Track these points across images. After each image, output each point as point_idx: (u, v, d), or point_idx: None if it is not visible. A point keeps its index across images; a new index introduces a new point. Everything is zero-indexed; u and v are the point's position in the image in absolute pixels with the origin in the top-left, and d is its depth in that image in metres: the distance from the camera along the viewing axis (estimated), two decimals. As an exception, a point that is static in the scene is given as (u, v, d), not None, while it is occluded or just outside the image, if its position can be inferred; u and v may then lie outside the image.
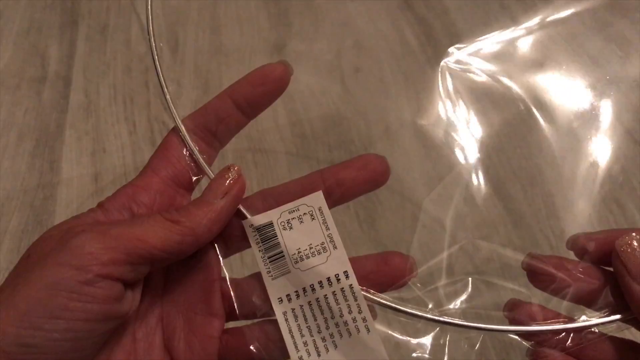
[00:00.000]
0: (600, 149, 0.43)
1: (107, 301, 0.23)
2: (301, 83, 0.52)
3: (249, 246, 0.27)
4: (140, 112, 0.52)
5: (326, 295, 0.26)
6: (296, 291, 0.26)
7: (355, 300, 0.26)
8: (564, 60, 0.52)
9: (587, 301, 0.25)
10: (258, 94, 0.28)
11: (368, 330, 0.26)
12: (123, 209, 0.26)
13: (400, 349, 0.26)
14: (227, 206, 0.26)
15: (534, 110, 0.45)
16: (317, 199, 0.27)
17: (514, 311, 0.26)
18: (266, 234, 0.27)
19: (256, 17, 0.60)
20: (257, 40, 0.58)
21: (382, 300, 0.26)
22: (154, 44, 0.30)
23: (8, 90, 0.54)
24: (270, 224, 0.27)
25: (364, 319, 0.26)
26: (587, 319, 0.25)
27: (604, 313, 0.25)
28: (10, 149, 0.50)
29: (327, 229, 0.27)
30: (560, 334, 0.25)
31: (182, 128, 0.28)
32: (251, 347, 0.26)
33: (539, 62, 0.50)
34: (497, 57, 0.47)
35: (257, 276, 0.27)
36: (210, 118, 0.28)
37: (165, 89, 0.29)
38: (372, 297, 0.26)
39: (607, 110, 0.47)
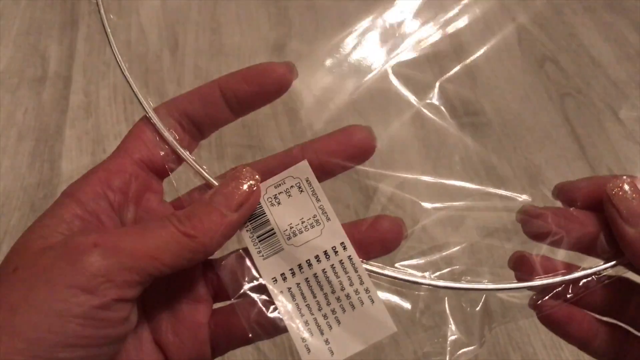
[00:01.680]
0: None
1: (120, 323, 0.21)
2: (301, 83, 0.52)
3: None
4: (140, 112, 0.52)
5: (324, 269, 0.25)
6: (291, 269, 0.25)
7: (356, 271, 0.25)
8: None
9: (586, 248, 0.25)
10: (251, 93, 0.25)
11: (372, 301, 0.25)
12: (99, 198, 0.23)
13: (401, 319, 0.26)
14: (240, 220, 0.24)
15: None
16: (304, 169, 0.25)
17: (519, 265, 0.25)
18: (253, 213, 0.25)
19: (256, 17, 0.60)
20: (257, 40, 0.58)
21: (382, 270, 0.25)
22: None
23: (8, 90, 0.54)
24: None
25: (367, 290, 0.25)
26: (585, 269, 0.25)
27: (604, 260, 0.25)
28: (10, 149, 0.50)
29: (318, 200, 0.25)
30: (560, 286, 0.25)
31: (152, 113, 0.25)
32: (246, 327, 0.25)
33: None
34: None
35: (245, 251, 0.25)
36: (194, 106, 0.26)
37: (120, 60, 0.27)
38: (372, 267, 0.25)
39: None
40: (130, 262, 0.21)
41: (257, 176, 0.24)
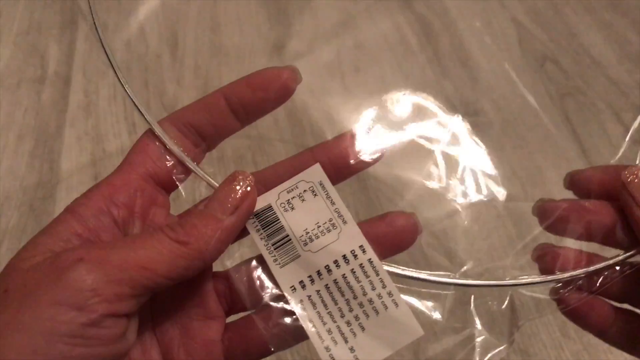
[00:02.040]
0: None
1: (113, 341, 0.20)
2: (301, 83, 0.52)
3: (242, 236, 0.25)
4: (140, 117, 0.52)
5: (344, 274, 0.24)
6: (310, 276, 0.24)
7: (377, 274, 0.24)
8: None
9: (603, 239, 0.25)
10: (257, 99, 0.25)
11: (396, 304, 0.24)
12: (101, 214, 0.22)
13: (426, 320, 0.25)
14: (237, 224, 0.23)
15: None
16: (316, 172, 0.24)
17: (543, 257, 0.25)
18: (266, 219, 0.24)
19: (256, 17, 0.60)
20: (257, 40, 0.58)
21: (404, 272, 0.24)
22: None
23: (8, 90, 0.54)
24: (269, 208, 0.24)
25: (390, 294, 0.24)
26: (607, 259, 0.24)
27: (623, 250, 0.24)
28: (10, 149, 0.50)
29: (333, 203, 0.24)
30: (582, 278, 0.25)
31: (156, 126, 0.25)
32: (265, 336, 0.24)
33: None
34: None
35: (259, 259, 0.25)
36: (199, 117, 0.25)
37: (124, 83, 0.26)
38: (394, 270, 0.24)
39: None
40: (119, 274, 0.20)
41: (250, 177, 0.23)
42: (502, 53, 0.56)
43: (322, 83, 0.53)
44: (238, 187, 0.23)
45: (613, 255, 0.25)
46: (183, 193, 0.25)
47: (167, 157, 0.25)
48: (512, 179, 0.46)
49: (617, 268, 0.24)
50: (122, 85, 0.26)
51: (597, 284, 0.25)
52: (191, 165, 0.25)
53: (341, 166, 0.25)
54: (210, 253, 0.22)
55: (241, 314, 0.25)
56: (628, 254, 0.24)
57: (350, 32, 0.57)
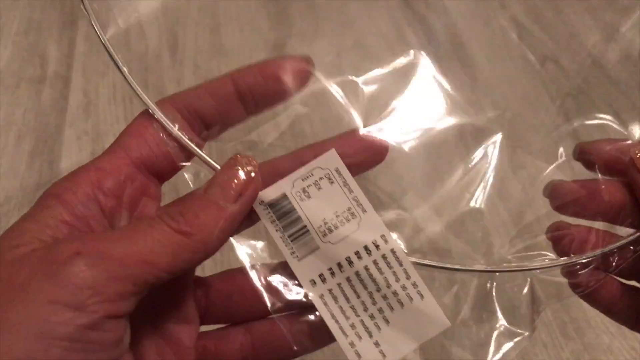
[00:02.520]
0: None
1: (114, 346, 0.18)
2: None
3: (244, 227, 0.24)
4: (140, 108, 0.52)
5: (366, 266, 0.23)
6: (330, 268, 0.23)
7: (401, 265, 0.23)
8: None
9: (615, 218, 0.24)
10: (269, 89, 0.23)
11: (422, 296, 0.23)
12: (89, 201, 0.20)
13: (446, 308, 0.24)
14: (241, 212, 0.21)
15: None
16: (332, 159, 0.23)
17: (560, 239, 0.25)
18: (282, 209, 0.23)
19: (256, 17, 0.60)
20: (257, 40, 0.58)
21: (428, 262, 0.23)
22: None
23: (7, 90, 0.54)
24: (284, 197, 0.23)
25: (415, 285, 0.23)
26: (621, 239, 0.24)
27: (635, 228, 0.24)
28: (10, 149, 0.50)
29: (351, 191, 0.23)
30: (597, 260, 0.24)
31: (154, 106, 0.22)
32: (289, 340, 0.23)
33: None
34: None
35: (281, 265, 0.23)
36: (204, 102, 0.23)
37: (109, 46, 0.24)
38: (418, 260, 0.23)
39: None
40: (121, 270, 0.18)
41: (254, 162, 0.22)
42: (502, 53, 0.56)
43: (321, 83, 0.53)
44: (241, 172, 0.21)
45: (624, 233, 0.25)
46: (191, 184, 0.24)
47: (167, 142, 0.23)
48: (512, 178, 0.46)
49: (631, 247, 0.24)
50: (111, 57, 0.25)
51: (613, 264, 0.24)
52: (194, 149, 0.23)
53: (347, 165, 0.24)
54: (212, 243, 0.20)
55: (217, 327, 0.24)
56: (638, 234, 0.24)
57: (350, 32, 0.57)
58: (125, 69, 0.24)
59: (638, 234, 0.24)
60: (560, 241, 0.25)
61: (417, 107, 0.27)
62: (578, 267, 0.25)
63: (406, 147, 0.26)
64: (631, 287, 0.25)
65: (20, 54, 0.57)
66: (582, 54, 0.55)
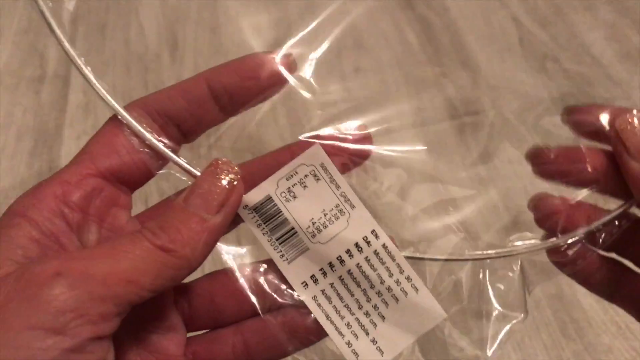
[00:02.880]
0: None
1: None
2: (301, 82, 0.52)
3: (226, 232, 0.23)
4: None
5: (358, 263, 0.22)
6: (321, 269, 0.22)
7: (394, 260, 0.22)
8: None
9: (599, 186, 0.24)
10: (246, 88, 0.21)
11: (416, 289, 0.22)
12: (55, 216, 0.19)
13: (442, 299, 0.24)
14: (223, 223, 0.20)
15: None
16: (317, 154, 0.22)
17: (546, 216, 0.24)
18: (267, 212, 0.22)
19: (256, 17, 0.60)
20: (256, 40, 0.58)
21: (420, 256, 0.23)
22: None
23: (7, 90, 0.54)
24: (269, 199, 0.22)
25: (409, 278, 0.22)
26: (607, 214, 0.24)
27: (619, 198, 0.24)
28: (9, 149, 0.50)
29: (338, 187, 0.22)
30: (579, 241, 0.24)
31: (123, 112, 0.21)
32: (280, 338, 0.22)
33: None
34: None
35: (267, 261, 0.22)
36: (176, 105, 0.21)
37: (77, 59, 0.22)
38: (410, 254, 0.23)
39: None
40: (104, 290, 0.17)
41: (236, 168, 0.21)
42: (502, 52, 0.56)
43: (322, 83, 0.53)
44: (223, 181, 0.20)
45: (611, 204, 0.24)
46: (168, 190, 0.23)
47: (137, 150, 0.21)
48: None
49: (616, 223, 0.24)
50: (61, 46, 0.23)
51: (600, 241, 0.24)
52: (171, 156, 0.22)
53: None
54: (196, 259, 0.19)
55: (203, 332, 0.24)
56: (622, 208, 0.24)
57: (350, 32, 0.57)
58: (89, 74, 0.24)
59: (621, 209, 0.24)
60: (545, 222, 0.24)
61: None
62: (564, 246, 0.24)
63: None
64: (609, 259, 0.25)
65: (20, 54, 0.57)
66: (583, 54, 0.55)
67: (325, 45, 0.27)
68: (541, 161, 0.24)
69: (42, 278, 0.17)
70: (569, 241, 0.24)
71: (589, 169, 0.23)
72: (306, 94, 0.24)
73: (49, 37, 0.58)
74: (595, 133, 0.24)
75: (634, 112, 0.23)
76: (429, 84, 0.53)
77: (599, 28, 0.57)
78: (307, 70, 0.25)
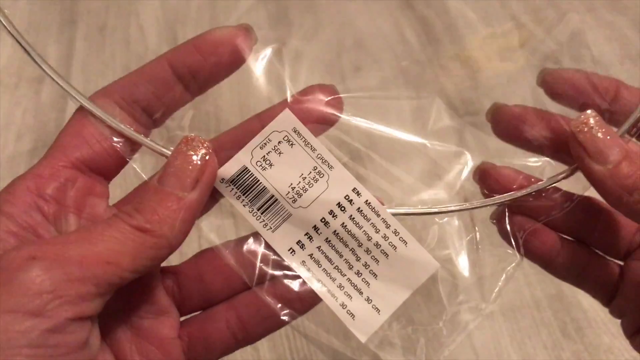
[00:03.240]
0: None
1: (80, 349, 0.18)
2: (301, 82, 0.52)
3: (208, 208, 0.23)
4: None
5: (343, 223, 0.22)
6: (306, 233, 0.22)
7: (378, 215, 0.22)
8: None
9: (553, 151, 0.24)
10: (209, 66, 0.21)
11: (405, 242, 0.22)
12: (30, 209, 0.19)
13: (433, 251, 0.23)
14: (200, 199, 0.20)
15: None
16: (288, 119, 0.22)
17: (487, 177, 0.24)
18: (245, 183, 0.22)
19: (256, 17, 0.60)
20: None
21: (405, 210, 0.23)
22: None
23: (7, 90, 0.54)
24: (245, 170, 0.22)
25: (396, 232, 0.22)
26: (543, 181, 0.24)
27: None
28: (9, 149, 0.50)
29: (313, 150, 0.22)
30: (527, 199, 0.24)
31: (87, 103, 0.21)
32: (278, 310, 0.22)
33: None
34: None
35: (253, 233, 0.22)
36: (141, 89, 0.21)
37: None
38: (395, 210, 0.22)
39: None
40: (80, 271, 0.17)
41: (207, 143, 0.20)
42: (502, 53, 0.56)
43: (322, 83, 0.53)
44: (195, 157, 0.20)
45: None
46: (142, 172, 0.23)
47: (108, 138, 0.21)
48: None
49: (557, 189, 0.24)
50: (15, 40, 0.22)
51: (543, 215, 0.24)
52: (141, 139, 0.21)
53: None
54: (175, 237, 0.19)
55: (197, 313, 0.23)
56: (564, 174, 0.23)
57: (350, 32, 0.57)
58: (47, 68, 0.23)
59: (553, 183, 0.24)
60: (486, 180, 0.24)
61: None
62: (501, 209, 0.24)
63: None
64: (570, 242, 0.25)
65: (20, 54, 0.57)
66: (583, 54, 0.55)
67: (325, 45, 0.26)
68: (501, 120, 0.25)
69: (17, 263, 0.17)
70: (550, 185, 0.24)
71: (545, 134, 0.23)
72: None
73: (48, 37, 0.58)
74: (568, 98, 0.24)
75: (589, 112, 0.23)
76: (429, 84, 0.53)
77: (599, 28, 0.57)
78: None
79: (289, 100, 0.23)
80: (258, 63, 0.23)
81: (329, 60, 0.55)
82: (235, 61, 0.22)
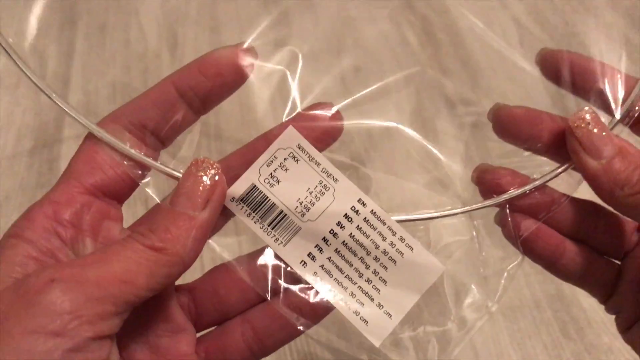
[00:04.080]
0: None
1: None
2: (301, 82, 0.52)
3: (218, 228, 0.24)
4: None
5: (351, 233, 0.23)
6: (316, 245, 0.23)
7: (384, 223, 0.23)
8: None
9: (553, 153, 0.25)
10: (214, 86, 0.22)
11: (411, 248, 0.23)
12: (49, 234, 0.20)
13: (438, 254, 0.24)
14: (211, 218, 0.21)
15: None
16: (292, 136, 0.23)
17: (485, 178, 0.25)
18: (254, 200, 0.23)
19: (256, 17, 0.60)
20: (256, 41, 0.58)
21: (411, 217, 0.24)
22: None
23: (7, 90, 0.54)
24: (254, 187, 0.23)
25: (402, 239, 0.23)
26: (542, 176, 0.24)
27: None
28: (9, 149, 0.50)
29: (318, 164, 0.23)
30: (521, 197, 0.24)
31: (97, 129, 0.22)
32: (294, 320, 0.23)
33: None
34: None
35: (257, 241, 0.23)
36: (149, 113, 0.22)
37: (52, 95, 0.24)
38: (399, 217, 0.23)
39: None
40: (99, 291, 0.18)
41: (216, 164, 0.21)
42: (502, 52, 0.56)
43: (322, 83, 0.53)
44: (205, 178, 0.21)
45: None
46: (155, 196, 0.23)
47: (119, 163, 0.22)
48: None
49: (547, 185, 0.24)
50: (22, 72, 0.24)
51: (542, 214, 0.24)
52: (152, 163, 0.22)
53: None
54: (188, 255, 0.20)
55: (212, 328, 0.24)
56: (558, 170, 0.24)
57: (350, 32, 0.57)
58: (60, 102, 0.25)
59: (549, 179, 0.24)
60: (483, 182, 0.25)
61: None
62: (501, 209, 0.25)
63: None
64: (575, 244, 0.25)
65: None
66: (584, 54, 0.55)
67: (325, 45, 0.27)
68: (501, 120, 0.25)
69: (38, 286, 0.17)
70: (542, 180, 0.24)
71: (545, 134, 0.24)
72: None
73: (48, 37, 0.58)
74: (560, 79, 0.25)
75: (586, 108, 0.23)
76: (429, 84, 0.53)
77: (599, 28, 0.57)
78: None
79: (292, 112, 0.24)
80: (261, 79, 0.25)
81: (329, 60, 0.55)
82: (238, 80, 0.23)
